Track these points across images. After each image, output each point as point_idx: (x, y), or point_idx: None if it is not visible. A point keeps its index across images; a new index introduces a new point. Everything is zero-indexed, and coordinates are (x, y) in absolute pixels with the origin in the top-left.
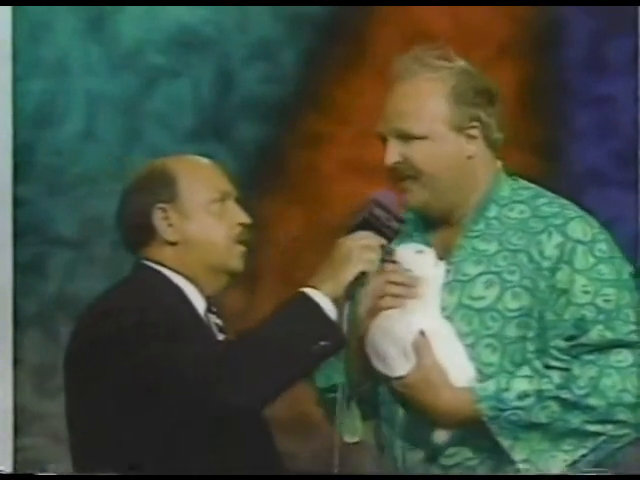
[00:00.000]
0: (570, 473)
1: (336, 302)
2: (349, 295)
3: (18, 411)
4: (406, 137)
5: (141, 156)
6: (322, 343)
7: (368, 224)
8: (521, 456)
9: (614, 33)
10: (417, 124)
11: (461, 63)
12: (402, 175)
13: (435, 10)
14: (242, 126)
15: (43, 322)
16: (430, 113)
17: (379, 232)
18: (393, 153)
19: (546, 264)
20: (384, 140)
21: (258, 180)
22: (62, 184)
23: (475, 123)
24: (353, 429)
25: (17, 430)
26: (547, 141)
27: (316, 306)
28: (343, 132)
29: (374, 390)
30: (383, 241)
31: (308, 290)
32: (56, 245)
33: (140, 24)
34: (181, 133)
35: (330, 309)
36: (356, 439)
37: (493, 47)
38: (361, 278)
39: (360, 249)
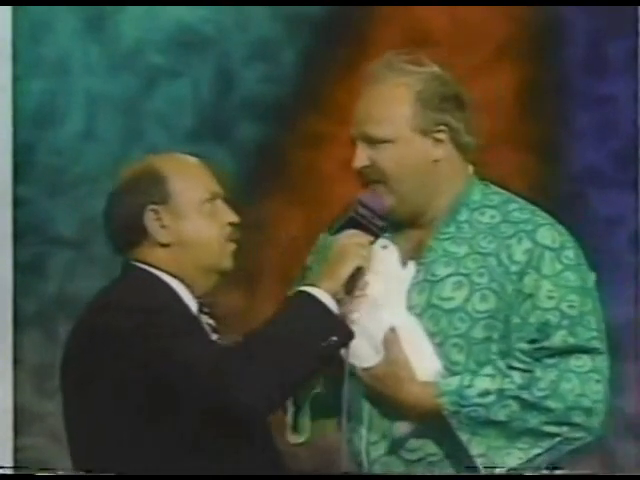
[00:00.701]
0: (567, 473)
1: (334, 298)
2: (347, 290)
3: (18, 411)
4: (373, 141)
5: (141, 156)
6: (333, 338)
7: (354, 222)
8: (478, 451)
9: (614, 33)
10: (383, 128)
11: (433, 69)
12: (369, 179)
13: (436, 10)
14: (242, 126)
15: (43, 322)
16: (396, 117)
17: (365, 230)
18: (361, 157)
19: (514, 268)
20: (354, 143)
21: (258, 180)
22: (62, 184)
23: (442, 127)
24: (302, 430)
25: (17, 430)
26: (547, 141)
27: (320, 303)
28: (343, 132)
29: (336, 387)
30: (371, 238)
31: (309, 288)
32: (56, 245)
33: (140, 24)
34: (181, 133)
35: (333, 305)
36: (302, 440)
37: (494, 47)
38: (357, 274)
39: (354, 246)
